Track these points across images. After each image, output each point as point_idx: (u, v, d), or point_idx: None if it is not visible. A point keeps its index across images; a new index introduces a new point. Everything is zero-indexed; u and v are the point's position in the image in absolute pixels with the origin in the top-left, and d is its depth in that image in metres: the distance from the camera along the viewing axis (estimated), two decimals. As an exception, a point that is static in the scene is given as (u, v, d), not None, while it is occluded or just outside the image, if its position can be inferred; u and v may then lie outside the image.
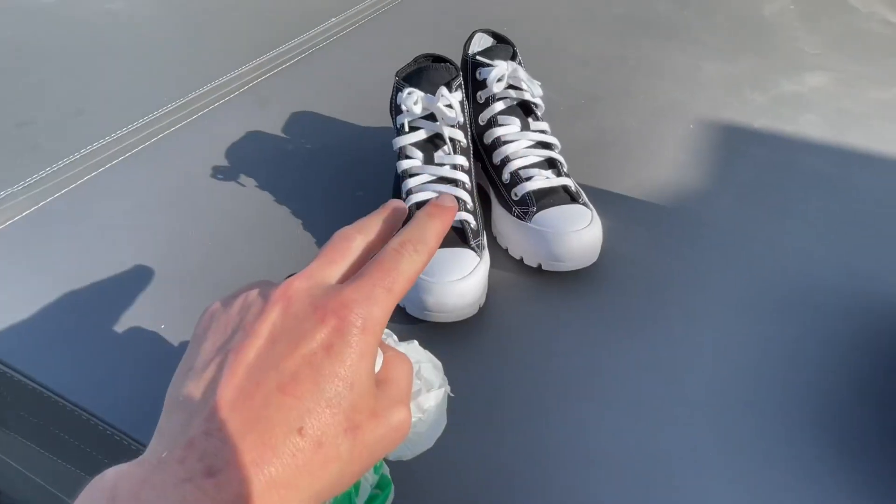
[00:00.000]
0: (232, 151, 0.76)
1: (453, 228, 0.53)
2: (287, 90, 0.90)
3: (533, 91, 0.59)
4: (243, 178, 0.71)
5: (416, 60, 0.61)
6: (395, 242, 0.29)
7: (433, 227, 0.31)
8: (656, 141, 0.77)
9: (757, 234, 0.62)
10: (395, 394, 0.29)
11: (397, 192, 0.57)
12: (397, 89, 0.57)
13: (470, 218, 0.54)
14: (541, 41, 0.99)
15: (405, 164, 0.56)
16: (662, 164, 0.72)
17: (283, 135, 0.80)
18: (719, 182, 0.70)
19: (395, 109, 0.58)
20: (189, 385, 0.25)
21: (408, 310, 0.52)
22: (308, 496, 0.24)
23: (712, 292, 0.56)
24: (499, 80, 0.58)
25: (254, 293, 0.28)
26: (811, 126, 0.79)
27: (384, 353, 0.30)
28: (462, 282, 0.50)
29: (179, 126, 0.82)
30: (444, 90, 0.54)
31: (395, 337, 0.40)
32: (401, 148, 0.57)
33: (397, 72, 0.60)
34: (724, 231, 0.63)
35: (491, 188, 0.61)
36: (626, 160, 0.73)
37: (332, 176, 0.72)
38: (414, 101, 0.54)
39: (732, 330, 0.53)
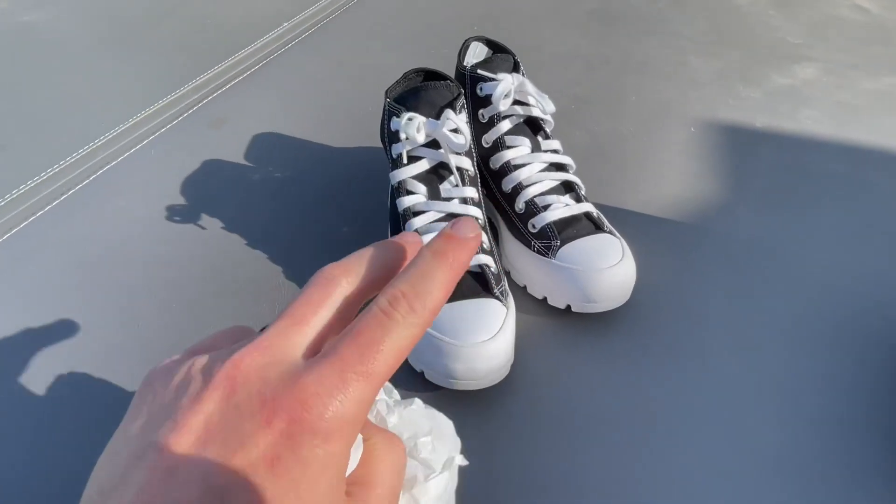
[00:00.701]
0: (185, 186, 0.66)
1: (471, 274, 0.46)
2: (243, 108, 0.79)
3: (544, 106, 0.52)
4: (203, 219, 0.62)
5: (406, 77, 0.53)
6: (382, 300, 0.21)
7: (441, 275, 0.22)
8: (659, 147, 0.71)
9: (788, 249, 0.57)
10: (376, 501, 0.22)
11: (397, 233, 0.49)
12: (391, 113, 0.49)
13: (489, 261, 0.46)
14: (514, 41, 0.92)
15: (408, 201, 0.48)
16: (672, 174, 0.67)
17: (245, 161, 0.70)
18: (735, 191, 0.64)
19: (390, 137, 0.50)
20: (102, 482, 0.20)
21: (427, 375, 0.44)
22: None
23: (756, 318, 0.51)
24: (506, 96, 0.51)
25: (199, 363, 0.21)
26: (812, 122, 0.75)
27: (366, 437, 0.23)
28: (492, 342, 0.42)
29: (119, 160, 0.71)
30: (450, 113, 0.46)
31: (396, 393, 0.31)
32: (400, 182, 0.48)
33: (387, 91, 0.51)
34: (753, 247, 0.57)
35: (501, 219, 0.54)
36: (630, 170, 0.67)
37: (310, 209, 0.63)
38: (416, 128, 0.46)
39: (785, 362, 0.47)
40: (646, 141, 0.72)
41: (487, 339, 0.42)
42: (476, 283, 0.46)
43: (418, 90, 0.48)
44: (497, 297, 0.45)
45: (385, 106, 0.50)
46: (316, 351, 0.21)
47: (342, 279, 0.23)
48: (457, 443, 0.29)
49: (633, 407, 0.44)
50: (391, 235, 0.53)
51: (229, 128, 0.76)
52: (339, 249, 0.58)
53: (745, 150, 0.71)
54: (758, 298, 0.52)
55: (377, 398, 0.27)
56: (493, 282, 0.45)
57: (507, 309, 0.45)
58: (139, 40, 0.98)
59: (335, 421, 0.19)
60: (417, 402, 0.30)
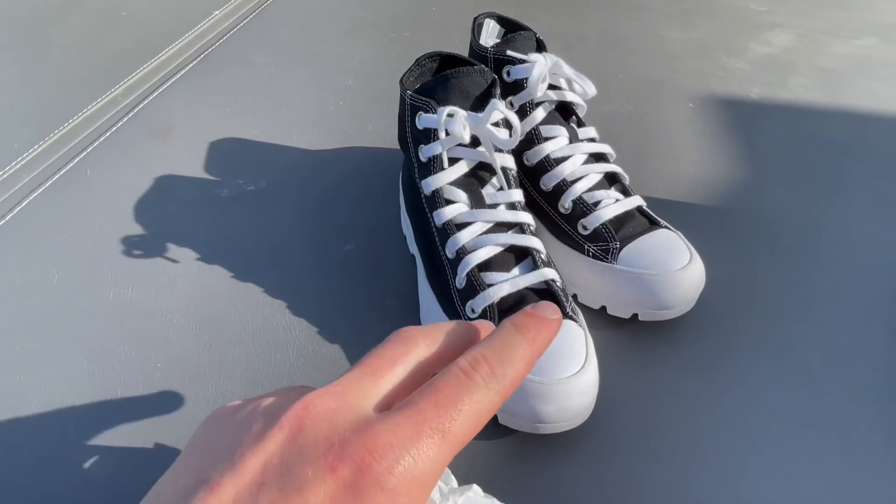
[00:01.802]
0: (139, 211, 0.55)
1: (539, 292, 0.39)
2: (189, 111, 0.68)
3: (585, 89, 0.45)
4: (170, 250, 0.51)
5: (419, 64, 0.45)
6: (463, 361, 0.21)
7: (523, 349, 0.22)
8: (664, 126, 0.67)
9: (829, 227, 0.54)
10: None
11: (435, 253, 0.41)
12: (415, 108, 0.41)
13: (555, 275, 0.40)
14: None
15: (449, 213, 0.40)
16: (687, 155, 0.62)
17: (206, 175, 0.59)
18: (754, 168, 0.61)
19: (417, 137, 0.41)
20: None
21: (502, 420, 0.37)
22: None
23: (823, 300, 0.47)
24: (542, 80, 0.44)
25: (267, 403, 0.21)
26: (804, 90, 0.73)
27: None
28: (583, 375, 0.36)
29: (44, 189, 0.58)
30: (499, 104, 0.38)
31: (453, 479, 0.28)
32: (436, 191, 0.40)
33: (403, 81, 0.43)
34: (791, 228, 0.54)
35: (543, 221, 0.47)
36: (642, 154, 0.62)
37: (300, 225, 0.53)
38: (461, 125, 0.38)
39: (871, 348, 0.44)
40: (648, 121, 0.68)
41: (577, 372, 0.35)
42: None
43: (446, 79, 0.40)
44: (572, 318, 0.38)
45: (406, 100, 0.42)
46: (388, 406, 0.21)
47: (420, 341, 0.23)
48: None
49: (732, 417, 0.39)
50: (415, 249, 0.45)
51: (179, 136, 0.64)
52: (348, 272, 0.50)
53: (748, 124, 0.67)
54: (818, 281, 0.49)
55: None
56: (563, 299, 0.39)
57: (584, 330, 0.38)
58: (39, 41, 0.83)
59: (404, 477, 0.18)
60: (475, 489, 0.27)
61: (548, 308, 0.24)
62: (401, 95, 0.43)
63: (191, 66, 0.76)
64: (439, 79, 0.40)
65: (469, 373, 0.21)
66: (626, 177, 0.47)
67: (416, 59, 0.45)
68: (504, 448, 0.37)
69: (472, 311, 0.38)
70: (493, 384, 0.21)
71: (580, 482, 0.36)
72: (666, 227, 0.45)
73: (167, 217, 0.54)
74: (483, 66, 0.41)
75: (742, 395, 0.41)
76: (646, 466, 0.37)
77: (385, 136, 0.64)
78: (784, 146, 0.64)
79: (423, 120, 0.40)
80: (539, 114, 0.45)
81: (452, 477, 0.28)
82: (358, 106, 0.69)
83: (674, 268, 0.42)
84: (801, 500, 0.36)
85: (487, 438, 0.38)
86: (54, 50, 0.80)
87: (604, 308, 0.45)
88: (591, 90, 0.45)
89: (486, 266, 0.39)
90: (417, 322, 0.44)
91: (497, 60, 0.46)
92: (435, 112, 0.39)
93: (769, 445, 0.38)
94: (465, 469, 0.35)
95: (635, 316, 0.43)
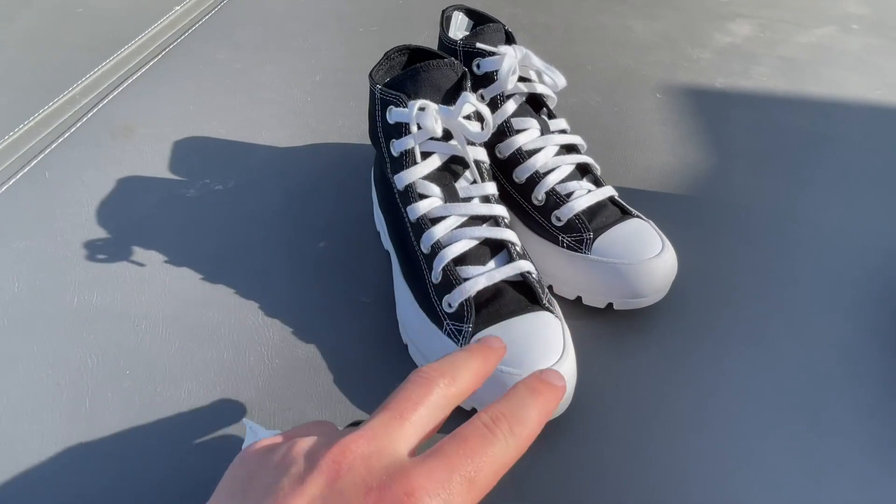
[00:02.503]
0: (101, 213, 0.53)
1: (515, 285, 0.39)
2: (151, 110, 0.66)
3: (555, 81, 0.45)
4: (136, 253, 0.49)
5: (389, 57, 0.44)
6: (486, 416, 0.24)
7: (536, 410, 0.25)
8: (632, 117, 0.67)
9: (795, 213, 0.55)
10: None
11: (409, 249, 0.41)
12: (386, 102, 0.40)
13: (530, 266, 0.40)
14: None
15: (423, 207, 0.40)
16: (655, 145, 0.63)
17: (171, 174, 0.58)
18: (722, 156, 0.62)
19: (388, 131, 0.41)
20: None
21: None
22: None
23: (794, 286, 0.48)
24: (513, 72, 0.44)
25: (302, 446, 0.22)
26: (767, 79, 0.75)
27: None
28: (560, 365, 0.36)
29: (1, 193, 0.56)
30: (470, 97, 0.38)
31: None
32: (409, 186, 0.40)
33: (372, 75, 0.43)
34: (760, 214, 0.55)
35: (517, 213, 0.47)
36: (612, 145, 0.63)
37: (271, 224, 0.52)
38: (432, 118, 0.38)
39: (842, 330, 0.45)
40: (617, 112, 0.68)
41: (555, 363, 0.35)
42: (520, 296, 0.39)
43: (416, 72, 0.40)
44: (548, 309, 0.38)
45: (376, 94, 0.41)
46: (415, 447, 0.23)
47: (439, 380, 0.25)
48: None
49: (708, 402, 0.40)
50: (390, 246, 0.44)
51: (141, 135, 0.62)
52: (322, 271, 0.49)
53: (714, 113, 0.68)
54: (786, 266, 0.50)
55: None
56: (539, 291, 0.39)
57: (561, 320, 0.39)
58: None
59: None
60: None
61: (555, 375, 0.27)
62: (370, 90, 0.42)
63: (152, 62, 0.74)
64: (409, 72, 0.40)
65: (491, 427, 0.23)
66: (598, 167, 0.47)
67: (386, 53, 0.44)
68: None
69: (450, 305, 0.38)
70: (512, 440, 0.23)
71: (560, 472, 0.36)
72: (638, 216, 0.46)
73: (131, 219, 0.53)
74: (453, 59, 0.41)
75: (716, 380, 0.42)
76: (625, 454, 0.37)
77: (356, 131, 0.63)
78: (749, 134, 0.65)
79: (394, 114, 0.40)
80: (510, 106, 0.45)
81: None
82: (327, 101, 0.68)
83: (646, 256, 0.42)
84: (776, 479, 0.36)
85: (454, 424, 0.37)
86: (7, 49, 0.77)
87: (579, 298, 0.45)
88: (561, 81, 0.45)
89: (461, 260, 0.39)
90: (393, 319, 0.44)
91: (466, 53, 0.45)
92: (405, 106, 0.39)
93: (744, 429, 0.39)
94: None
95: (610, 305, 0.44)
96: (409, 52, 0.45)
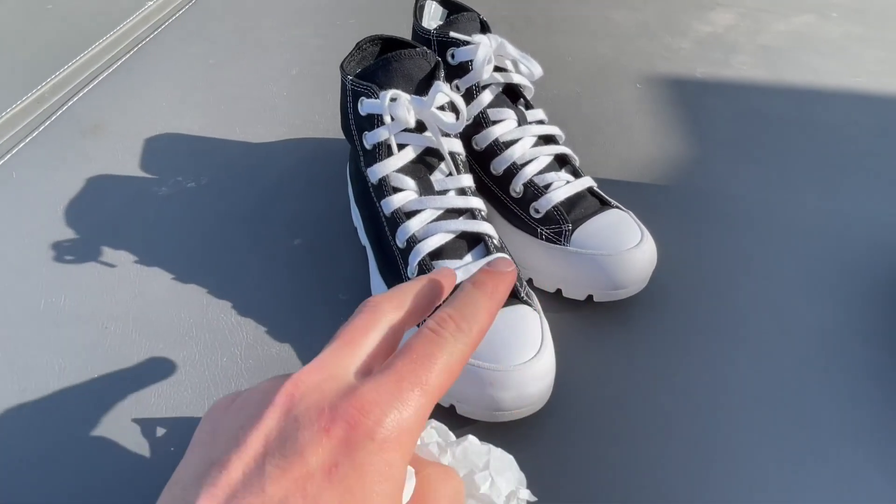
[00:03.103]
0: (70, 213, 0.52)
1: (491, 279, 0.38)
2: (122, 107, 0.65)
3: (531, 70, 0.44)
4: (106, 254, 0.48)
5: (360, 48, 0.43)
6: (432, 321, 0.23)
7: (484, 302, 0.25)
8: (612, 107, 0.67)
9: (776, 202, 0.55)
10: None
11: (385, 243, 0.40)
12: (358, 94, 0.39)
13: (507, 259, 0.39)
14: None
15: (398, 201, 0.39)
16: (636, 135, 0.63)
17: (142, 172, 0.56)
18: (703, 145, 0.61)
19: (360, 123, 0.40)
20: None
21: (460, 410, 0.36)
22: None
23: (769, 277, 0.48)
24: (488, 61, 0.43)
25: (258, 389, 0.22)
26: (748, 69, 0.74)
27: (418, 470, 0.23)
28: (539, 359, 0.35)
29: (-28, 187, 0.54)
30: (443, 86, 0.37)
31: (452, 435, 0.28)
32: (383, 179, 0.39)
33: (344, 66, 0.42)
34: (742, 203, 0.55)
35: (495, 206, 0.46)
36: (591, 135, 0.62)
37: (244, 221, 0.51)
38: (405, 108, 0.37)
39: (822, 317, 0.44)
40: (597, 102, 0.67)
41: (533, 357, 0.35)
42: None
43: (388, 62, 0.39)
44: (526, 302, 0.38)
45: (347, 86, 0.40)
46: (368, 371, 0.23)
47: (387, 306, 0.25)
48: (520, 477, 0.28)
49: (689, 392, 0.39)
50: (366, 240, 0.44)
51: (111, 133, 0.61)
52: (298, 266, 0.48)
53: (695, 102, 0.68)
54: (766, 253, 0.50)
55: (429, 440, 0.27)
56: (518, 284, 0.38)
57: (539, 314, 0.38)
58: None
59: (393, 428, 0.20)
60: (471, 439, 0.28)
61: (502, 262, 0.26)
62: (342, 81, 0.41)
63: (124, 59, 0.73)
64: (380, 62, 0.39)
65: (438, 331, 0.23)
66: (576, 158, 0.47)
67: (357, 43, 0.43)
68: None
69: None
70: (461, 337, 0.23)
71: (541, 466, 0.36)
72: (617, 206, 0.45)
73: (101, 218, 0.51)
74: (426, 48, 0.40)
75: (697, 371, 0.41)
76: (606, 446, 0.37)
77: (332, 125, 0.62)
78: (730, 123, 0.65)
79: (366, 105, 0.39)
80: (486, 96, 0.44)
81: (451, 433, 0.28)
82: (303, 96, 0.66)
83: (626, 247, 0.42)
84: (757, 469, 0.36)
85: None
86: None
87: (559, 291, 0.44)
88: (538, 71, 0.44)
89: (437, 254, 0.38)
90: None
91: (441, 43, 0.44)
92: (377, 97, 0.38)
93: (725, 419, 0.38)
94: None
95: (590, 297, 0.43)
96: (382, 43, 0.44)
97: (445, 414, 0.37)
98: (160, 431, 0.37)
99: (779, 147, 0.62)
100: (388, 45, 0.44)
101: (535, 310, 0.38)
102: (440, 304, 0.26)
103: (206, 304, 0.44)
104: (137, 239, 0.49)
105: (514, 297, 0.38)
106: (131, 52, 0.74)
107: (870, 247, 0.50)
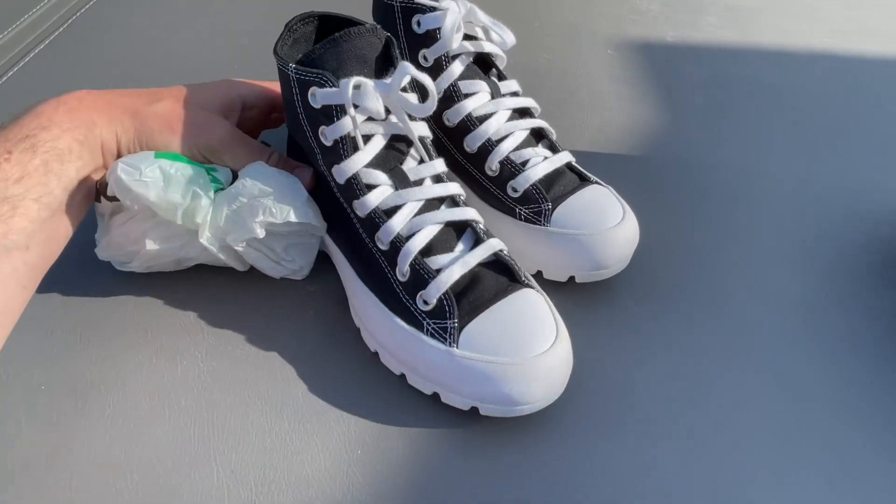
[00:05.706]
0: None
1: (490, 265, 0.36)
2: (59, 86, 0.58)
3: (503, 38, 0.41)
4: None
5: (291, 29, 0.39)
6: None
7: None
8: (583, 74, 0.64)
9: (753, 168, 0.54)
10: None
11: (361, 248, 0.37)
12: (307, 84, 0.35)
13: (501, 244, 0.36)
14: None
15: (373, 199, 0.35)
16: (609, 103, 0.60)
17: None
18: (677, 112, 0.60)
19: (314, 118, 0.36)
20: None
21: (484, 411, 0.34)
22: None
23: (749, 246, 0.47)
24: (457, 29, 0.40)
25: None
26: (717, 30, 0.73)
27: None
28: (559, 344, 0.33)
29: None
30: (409, 67, 0.34)
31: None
32: (352, 178, 0.36)
33: (279, 52, 0.37)
34: (720, 170, 0.53)
35: (471, 186, 0.43)
36: (564, 105, 0.60)
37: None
38: (373, 96, 0.33)
39: (804, 284, 0.44)
40: (567, 69, 0.65)
41: (553, 343, 0.33)
42: (499, 277, 0.35)
43: (336, 43, 0.35)
44: (529, 285, 0.36)
45: (290, 75, 0.36)
46: None
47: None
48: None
49: (675, 370, 0.38)
50: (334, 247, 0.40)
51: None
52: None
53: (667, 68, 0.66)
54: (745, 221, 0.49)
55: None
56: (516, 268, 0.36)
57: (543, 295, 0.36)
58: None
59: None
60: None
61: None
62: (280, 70, 0.37)
63: (57, 32, 0.66)
64: (327, 45, 0.35)
65: None
66: (553, 132, 0.44)
67: (287, 24, 0.39)
68: (455, 435, 0.35)
69: (425, 302, 0.34)
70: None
71: (524, 452, 0.34)
72: (597, 182, 0.43)
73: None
74: (375, 24, 0.36)
75: (683, 348, 0.40)
76: (593, 431, 0.35)
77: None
78: (703, 88, 0.64)
79: (320, 96, 0.35)
80: (456, 67, 0.41)
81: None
82: (255, 68, 0.61)
83: (608, 226, 0.40)
84: (747, 442, 0.35)
85: (449, 427, 0.35)
86: None
87: (540, 273, 0.42)
88: (511, 39, 0.42)
89: (427, 250, 0.35)
90: (348, 315, 0.40)
91: (405, 9, 0.41)
92: (335, 86, 0.34)
93: (711, 393, 0.38)
94: (431, 461, 0.32)
95: (572, 278, 0.41)
96: (317, 21, 0.40)
97: (467, 417, 0.34)
98: (113, 447, 0.34)
99: (753, 113, 0.61)
100: (323, 24, 0.40)
101: (539, 292, 0.36)
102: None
103: (159, 304, 0.41)
104: (79, 234, 0.45)
105: (517, 282, 0.35)
106: (65, 25, 0.67)
107: (849, 213, 0.50)
